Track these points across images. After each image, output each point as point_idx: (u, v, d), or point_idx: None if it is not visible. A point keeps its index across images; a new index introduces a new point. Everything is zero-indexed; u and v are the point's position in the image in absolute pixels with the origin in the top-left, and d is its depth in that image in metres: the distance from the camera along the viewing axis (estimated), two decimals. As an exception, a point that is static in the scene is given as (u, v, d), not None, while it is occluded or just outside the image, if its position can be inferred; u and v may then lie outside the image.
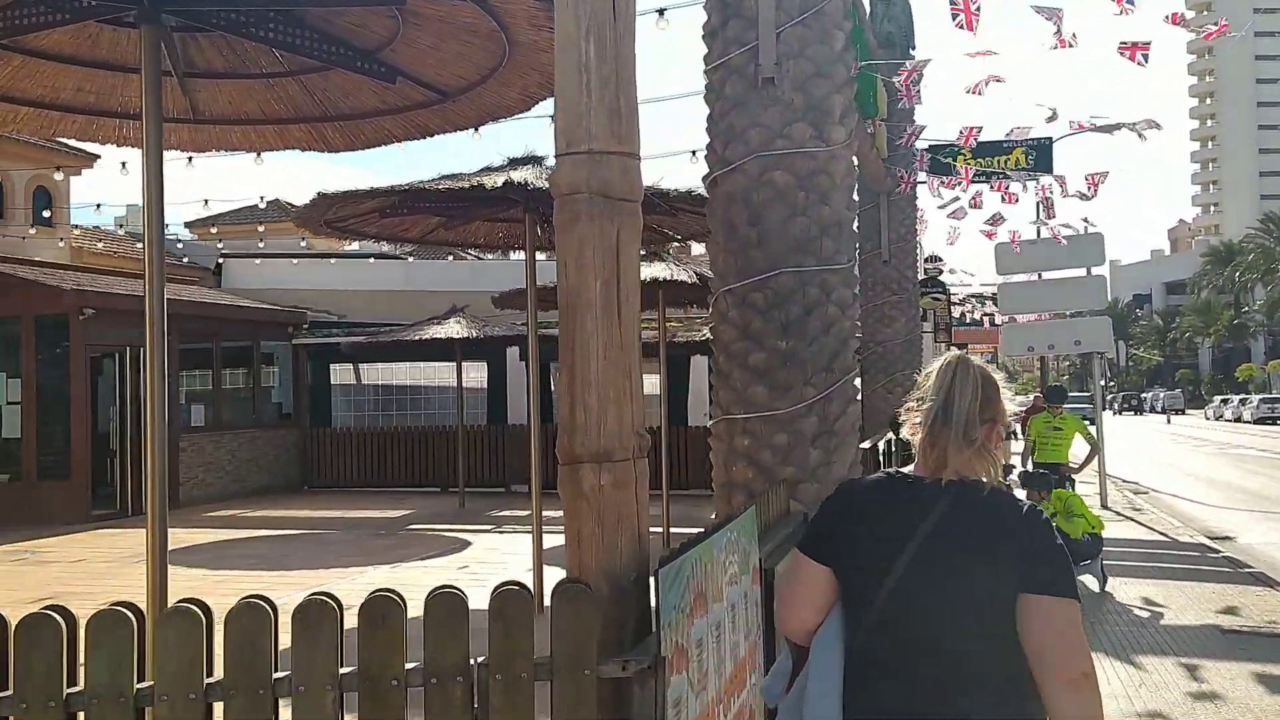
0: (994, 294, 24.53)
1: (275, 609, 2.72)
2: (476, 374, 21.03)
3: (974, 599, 2.27)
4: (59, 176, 24.08)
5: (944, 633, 2.28)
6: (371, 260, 28.98)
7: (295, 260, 28.55)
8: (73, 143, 22.85)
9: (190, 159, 13.07)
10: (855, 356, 6.02)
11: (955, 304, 31.54)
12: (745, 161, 5.82)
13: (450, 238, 9.91)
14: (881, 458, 12.03)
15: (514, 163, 8.59)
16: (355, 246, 31.69)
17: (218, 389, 19.80)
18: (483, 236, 10.08)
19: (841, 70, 5.95)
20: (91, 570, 11.98)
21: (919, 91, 12.25)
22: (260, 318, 20.78)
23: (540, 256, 9.02)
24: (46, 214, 25.13)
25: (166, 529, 4.58)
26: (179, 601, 2.71)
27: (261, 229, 26.92)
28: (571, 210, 2.85)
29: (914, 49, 15.21)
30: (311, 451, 21.22)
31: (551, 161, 8.46)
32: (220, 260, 28.78)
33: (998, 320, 27.04)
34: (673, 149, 32.49)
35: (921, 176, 15.58)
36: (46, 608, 2.65)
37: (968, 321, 37.92)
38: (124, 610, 2.63)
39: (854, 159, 6.05)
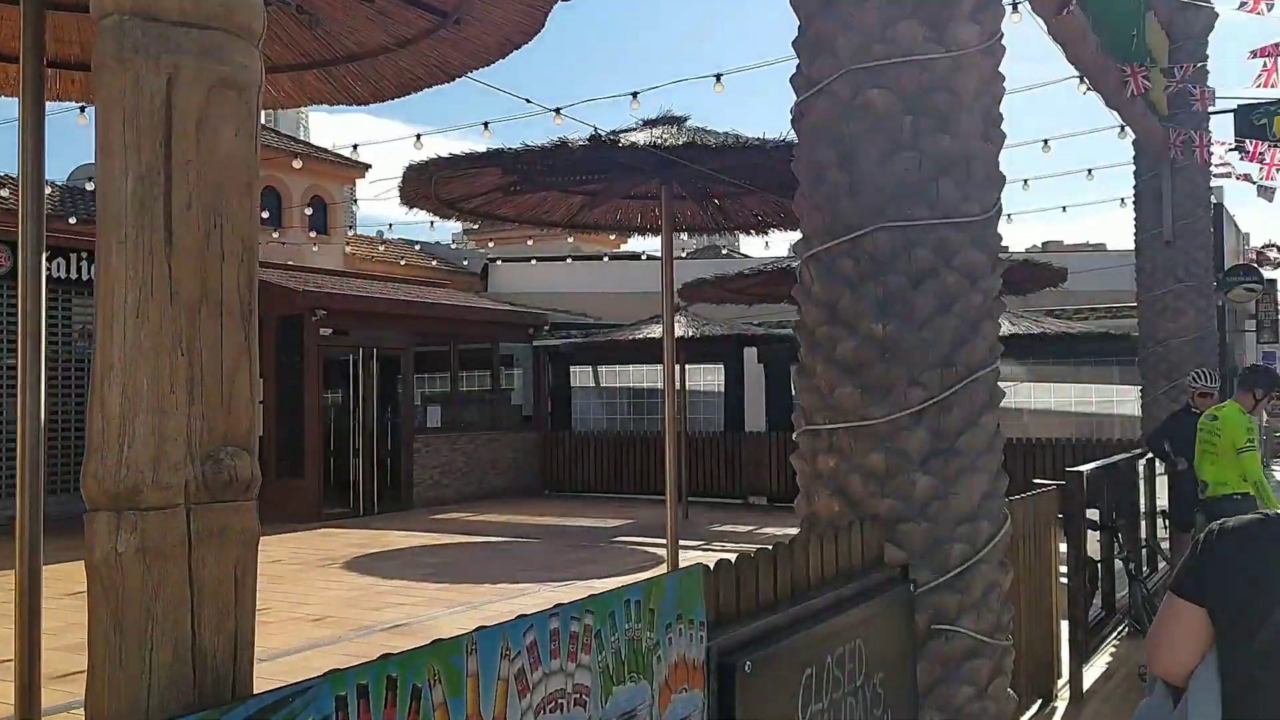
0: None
1: None
2: (713, 377, 19.86)
3: None
4: (335, 186, 25.02)
5: None
6: (644, 257, 28.41)
7: (568, 261, 28.47)
8: (345, 153, 23.51)
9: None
10: (997, 348, 4.32)
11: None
12: (832, 80, 4.27)
13: (593, 219, 8.77)
14: (1143, 480, 9.78)
15: (648, 124, 7.31)
16: (628, 246, 31.37)
17: (454, 390, 19.69)
18: (620, 215, 8.86)
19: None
20: (275, 572, 11.75)
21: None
22: (499, 319, 20.55)
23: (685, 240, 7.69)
24: (291, 211, 26.21)
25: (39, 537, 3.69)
26: None
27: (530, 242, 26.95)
28: (99, 53, 1.59)
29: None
30: (551, 455, 20.77)
31: (694, 122, 7.08)
32: (487, 264, 29.22)
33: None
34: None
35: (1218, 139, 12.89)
36: None
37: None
38: None
39: (999, 71, 4.36)
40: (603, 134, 6.24)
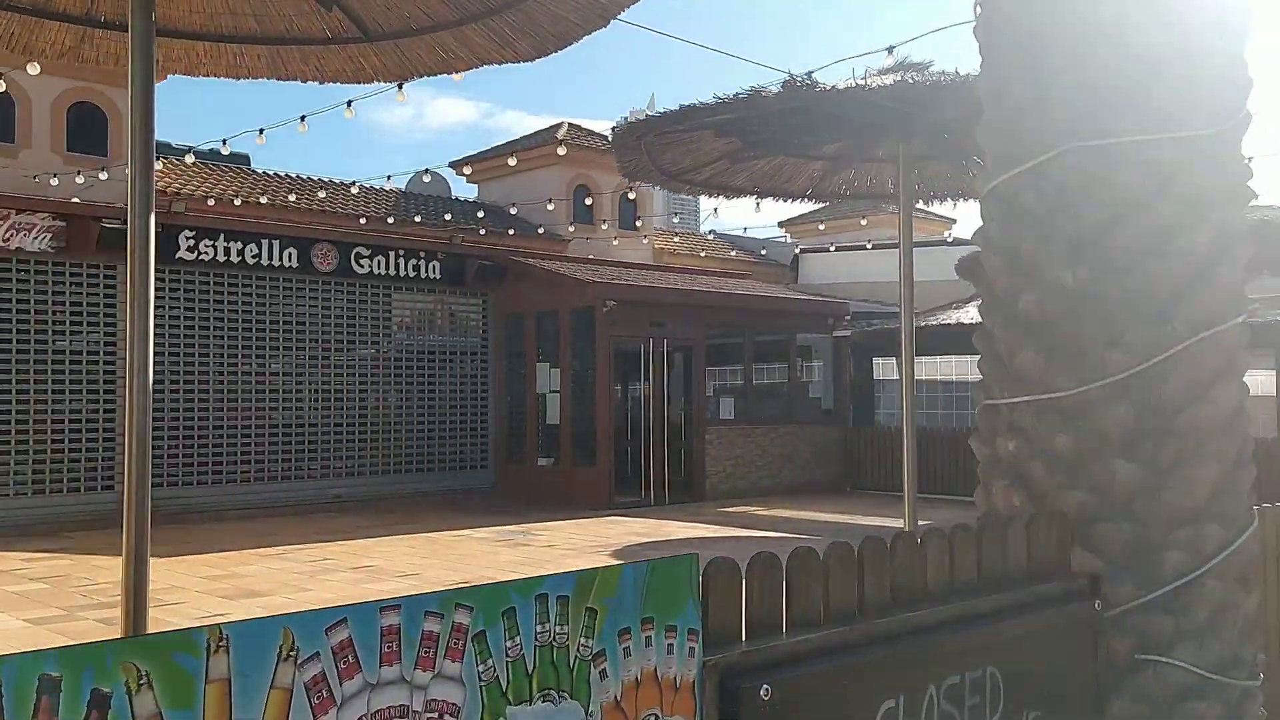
0: None
1: None
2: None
3: None
4: (645, 187, 25.31)
5: None
6: (950, 241, 26.83)
7: (869, 249, 27.41)
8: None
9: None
10: (1239, 300, 3.32)
11: None
12: (1014, -31, 3.45)
13: (833, 188, 8.00)
14: None
15: (883, 74, 6.54)
16: (947, 235, 29.80)
17: (749, 382, 19.29)
18: (870, 181, 8.01)
19: None
20: (542, 557, 11.82)
21: None
22: (795, 309, 19.93)
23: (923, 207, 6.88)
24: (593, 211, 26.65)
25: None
26: None
27: (864, 222, 26.13)
28: None
29: None
30: (854, 450, 19.92)
31: (940, 66, 6.30)
32: (796, 254, 28.65)
33: None
34: None
35: None
36: None
37: None
38: None
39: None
40: (804, 80, 5.47)
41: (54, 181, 15.35)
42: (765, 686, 2.08)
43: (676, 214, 31.68)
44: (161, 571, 10.71)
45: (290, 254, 16.12)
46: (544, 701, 1.76)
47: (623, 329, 17.13)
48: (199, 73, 5.35)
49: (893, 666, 2.39)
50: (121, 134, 17.99)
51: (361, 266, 16.89)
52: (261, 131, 11.11)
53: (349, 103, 11.12)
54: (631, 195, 24.40)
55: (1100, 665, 3.08)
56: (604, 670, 1.86)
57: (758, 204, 10.36)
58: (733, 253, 25.77)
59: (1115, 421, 3.19)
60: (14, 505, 13.85)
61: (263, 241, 15.87)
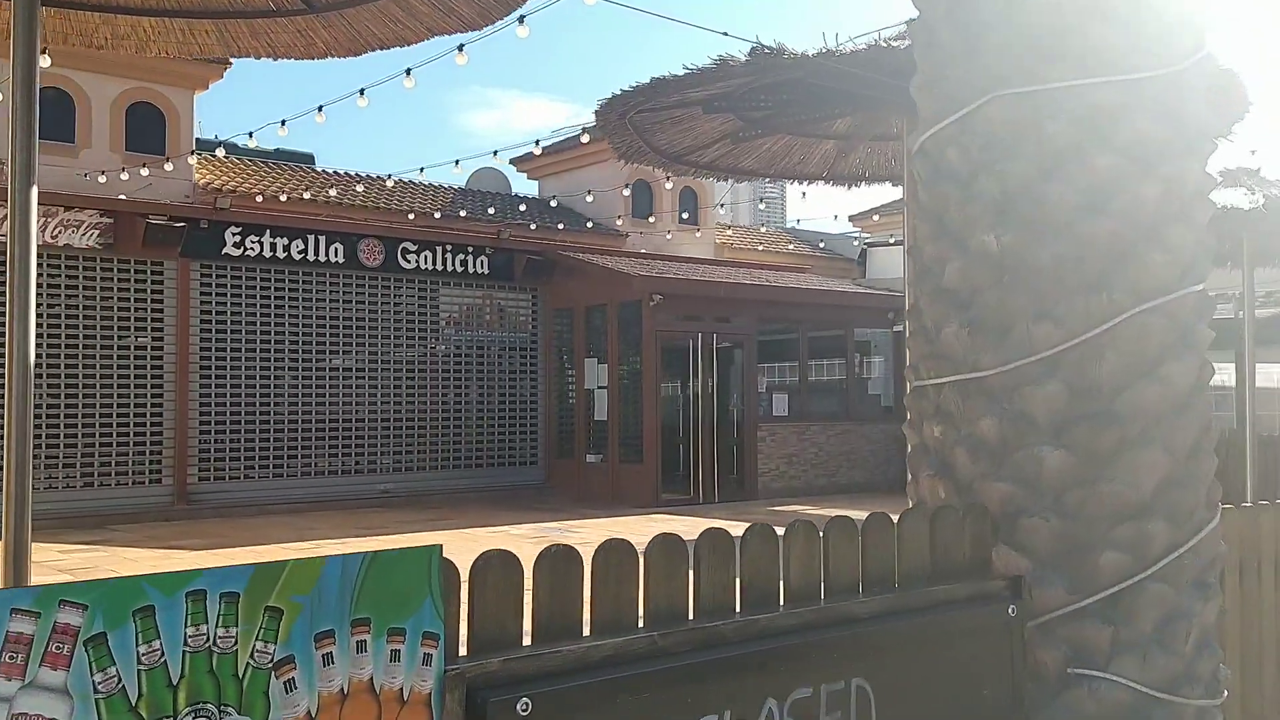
0: None
1: None
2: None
3: None
4: (704, 180, 24.98)
5: None
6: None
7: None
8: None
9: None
10: (1197, 266, 2.91)
11: None
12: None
13: (844, 171, 7.58)
14: None
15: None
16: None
17: (804, 378, 18.83)
18: (892, 159, 7.54)
19: None
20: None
21: None
22: (852, 303, 19.42)
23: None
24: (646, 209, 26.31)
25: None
26: None
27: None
28: None
29: None
30: (913, 449, 19.32)
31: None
32: (864, 248, 28.07)
33: None
34: None
35: None
36: None
37: None
38: None
39: None
40: (771, 48, 5.06)
41: (102, 179, 15.58)
42: (524, 701, 1.78)
43: (762, 200, 31.27)
44: (186, 563, 10.73)
45: (336, 249, 16.13)
46: (196, 718, 1.49)
47: (671, 324, 16.82)
48: (150, 50, 5.21)
49: (717, 676, 2.07)
50: (178, 133, 18.26)
51: (408, 261, 16.85)
52: (284, 123, 11.06)
53: (408, 70, 11.04)
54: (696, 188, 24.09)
55: (1023, 680, 2.71)
56: (291, 681, 1.58)
57: (803, 193, 9.94)
58: (791, 246, 25.28)
59: (1044, 403, 2.82)
60: (63, 498, 14.05)
61: (309, 237, 15.91)
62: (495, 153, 14.80)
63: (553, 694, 1.83)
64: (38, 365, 13.88)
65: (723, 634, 2.14)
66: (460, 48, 8.42)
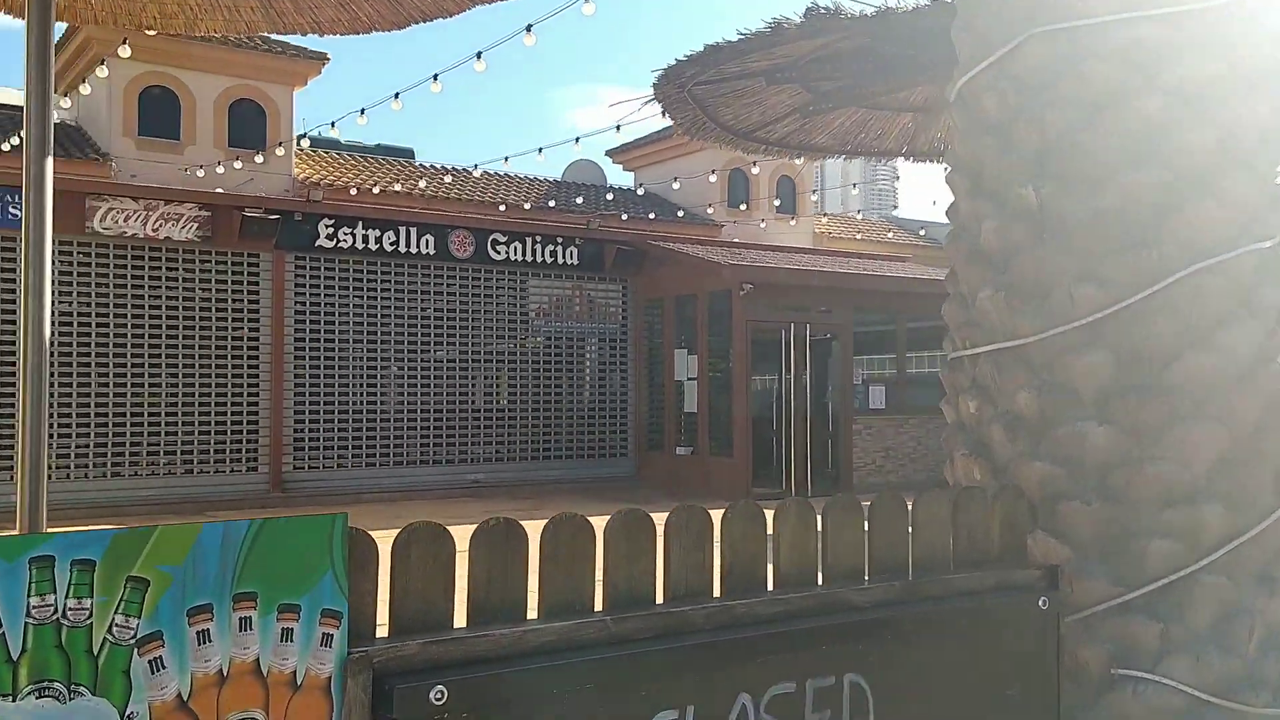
0: None
1: None
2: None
3: None
4: (799, 162, 24.60)
5: None
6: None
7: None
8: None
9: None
10: (1264, 221, 2.58)
11: None
12: None
13: (923, 146, 7.20)
14: None
15: None
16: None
17: (902, 370, 18.33)
18: (943, 143, 7.15)
19: None
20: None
21: None
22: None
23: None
24: (746, 198, 25.89)
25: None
26: None
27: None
28: None
29: None
30: (1016, 443, 18.67)
31: None
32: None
33: None
34: None
35: None
36: None
37: None
38: None
39: None
40: (828, 9, 4.75)
41: (200, 173, 15.93)
42: (439, 689, 1.60)
43: (857, 187, 30.68)
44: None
45: (427, 240, 16.22)
46: (41, 697, 1.35)
47: (762, 313, 16.51)
48: (198, 29, 5.19)
49: (683, 667, 1.87)
50: (278, 129, 18.61)
51: (498, 253, 16.87)
52: (363, 112, 11.12)
53: (479, 54, 11.05)
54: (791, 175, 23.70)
55: (1057, 680, 2.43)
56: (158, 660, 1.43)
57: (896, 174, 9.59)
58: (891, 234, 24.68)
59: (1086, 374, 2.54)
60: (163, 484, 14.42)
61: (400, 229, 16.03)
62: (577, 139, 14.75)
63: (476, 682, 1.65)
64: (138, 355, 14.27)
65: (692, 621, 1.93)
66: (528, 28, 8.30)
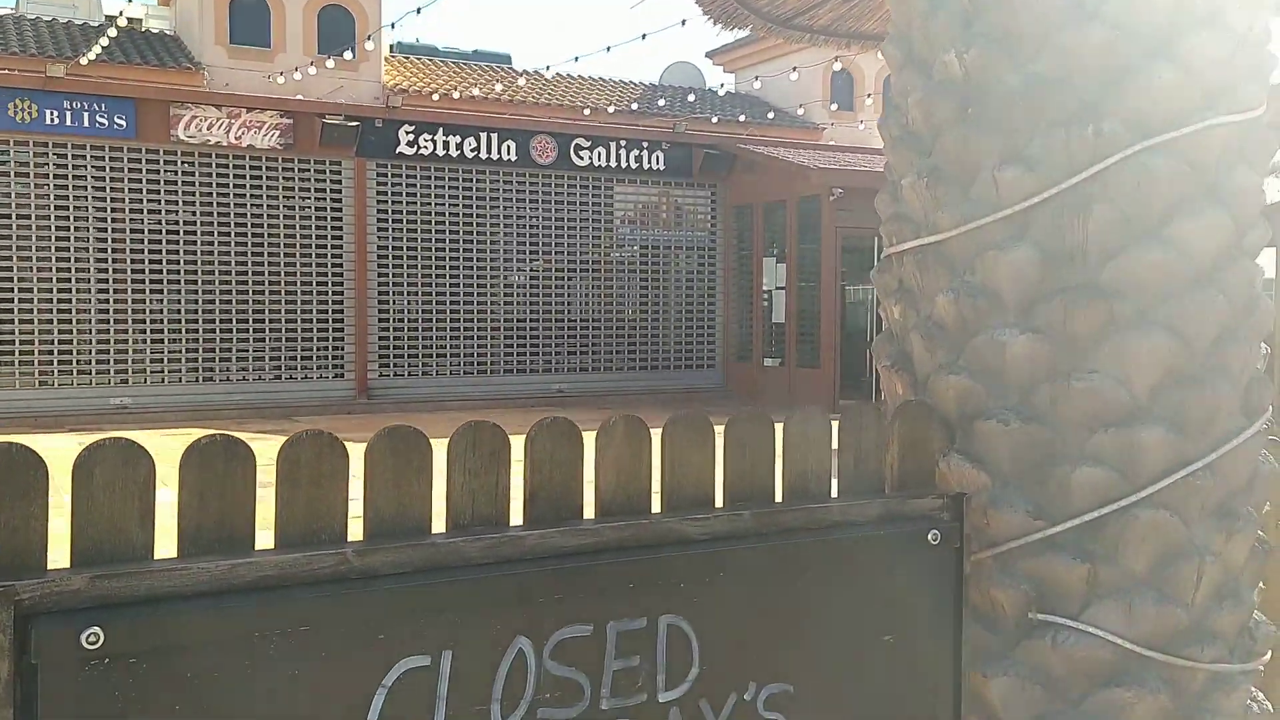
0: None
1: None
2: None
3: None
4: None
5: None
6: None
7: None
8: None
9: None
10: (1241, 94, 2.14)
11: None
12: None
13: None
14: None
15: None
16: None
17: None
18: None
19: None
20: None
21: None
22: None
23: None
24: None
25: None
26: None
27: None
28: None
29: None
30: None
31: None
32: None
33: None
34: None
35: None
36: None
37: None
38: None
39: None
40: None
41: (296, 76, 15.93)
42: (94, 631, 1.39)
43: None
44: (354, 455, 10.97)
45: (509, 146, 16.01)
46: None
47: (855, 219, 15.88)
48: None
49: (439, 609, 1.62)
50: (365, 33, 18.48)
51: (581, 158, 16.57)
52: (419, 11, 10.81)
53: None
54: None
55: (955, 626, 2.11)
56: None
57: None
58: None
59: (1010, 273, 2.17)
60: (254, 389, 14.75)
61: (481, 134, 15.84)
62: (684, 21, 13.90)
63: (154, 624, 1.43)
64: (225, 262, 14.50)
65: (465, 554, 1.68)
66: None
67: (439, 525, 1.75)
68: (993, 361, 2.19)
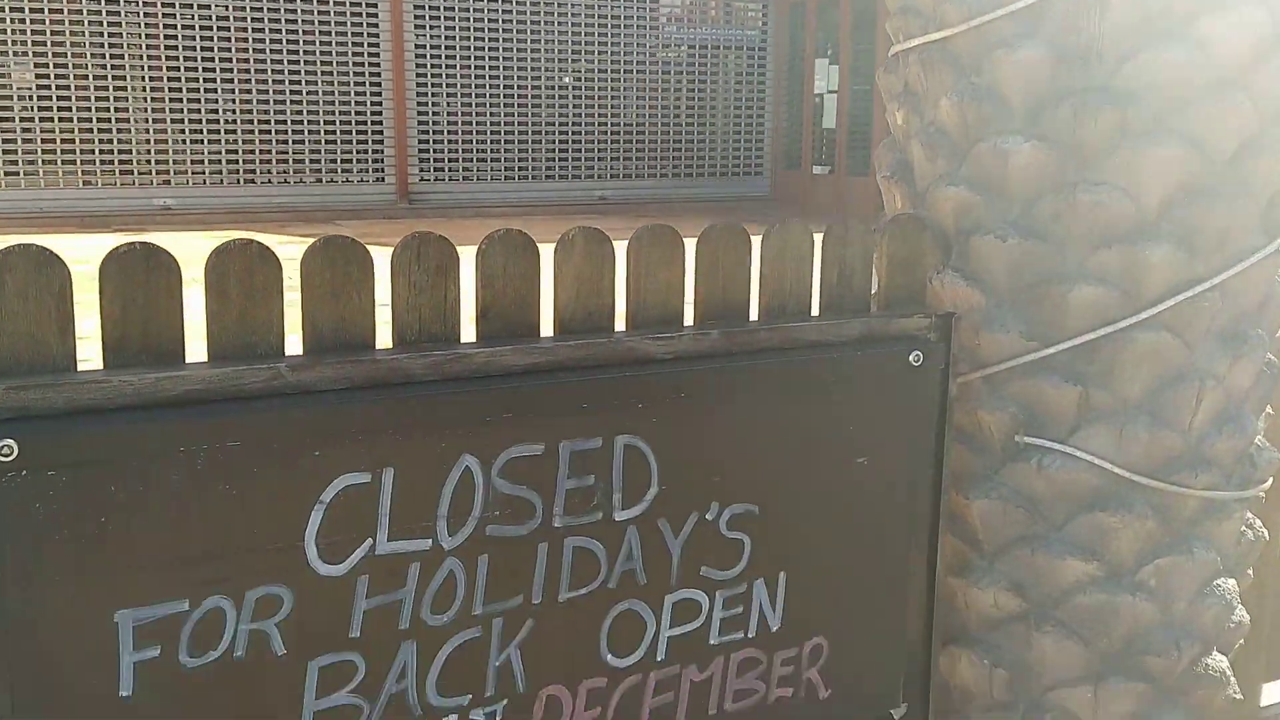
0: None
1: None
2: None
3: None
4: None
5: None
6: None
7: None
8: None
9: None
10: None
11: None
12: None
13: None
14: None
15: None
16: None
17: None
18: None
19: None
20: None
21: None
22: None
23: None
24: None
25: None
26: None
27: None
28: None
29: None
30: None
31: None
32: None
33: None
34: None
35: None
36: None
37: None
38: None
39: None
40: None
41: None
42: (7, 443, 1.36)
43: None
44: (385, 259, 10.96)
45: (551, -61, 15.31)
46: None
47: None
48: None
49: (379, 427, 1.57)
50: None
51: (626, -48, 15.82)
52: None
53: None
54: None
55: (937, 449, 2.04)
56: None
57: None
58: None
59: (1017, 74, 1.99)
60: (295, 192, 14.70)
61: (521, -74, 15.14)
62: None
63: (71, 439, 1.39)
64: (261, 63, 14.23)
65: (408, 370, 1.62)
66: None
67: (387, 342, 1.69)
68: (995, 172, 2.03)
